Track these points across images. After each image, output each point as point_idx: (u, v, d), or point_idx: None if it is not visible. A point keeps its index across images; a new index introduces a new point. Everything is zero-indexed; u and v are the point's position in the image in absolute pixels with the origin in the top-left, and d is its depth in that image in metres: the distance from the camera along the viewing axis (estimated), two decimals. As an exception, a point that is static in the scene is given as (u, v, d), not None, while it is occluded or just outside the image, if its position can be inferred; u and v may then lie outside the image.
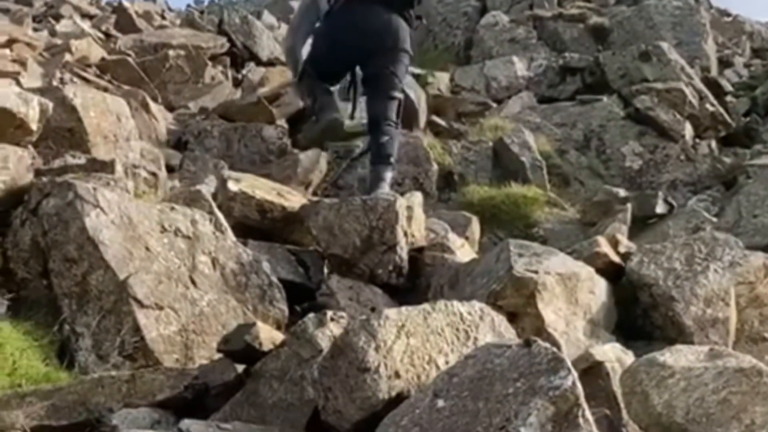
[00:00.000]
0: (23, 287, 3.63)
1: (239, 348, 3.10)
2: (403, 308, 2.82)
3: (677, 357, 2.98)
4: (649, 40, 11.24)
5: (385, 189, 5.26)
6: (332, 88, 5.82)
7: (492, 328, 3.10)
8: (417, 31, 5.95)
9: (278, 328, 3.84)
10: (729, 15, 16.01)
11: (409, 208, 4.41)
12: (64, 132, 4.64)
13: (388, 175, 5.41)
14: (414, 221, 4.45)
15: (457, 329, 2.95)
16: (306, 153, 6.15)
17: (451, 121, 8.21)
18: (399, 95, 5.54)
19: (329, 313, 3.03)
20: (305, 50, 5.99)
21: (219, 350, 3.19)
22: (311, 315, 3.03)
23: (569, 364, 2.45)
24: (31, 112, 3.99)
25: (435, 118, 8.05)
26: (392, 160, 5.46)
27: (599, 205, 6.30)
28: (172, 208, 3.83)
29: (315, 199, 5.37)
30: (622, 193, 6.36)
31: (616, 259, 4.29)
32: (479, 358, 2.60)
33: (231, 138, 6.42)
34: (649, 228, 6.08)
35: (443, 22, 13.65)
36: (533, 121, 7.99)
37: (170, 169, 5.69)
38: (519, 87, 9.53)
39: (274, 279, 3.98)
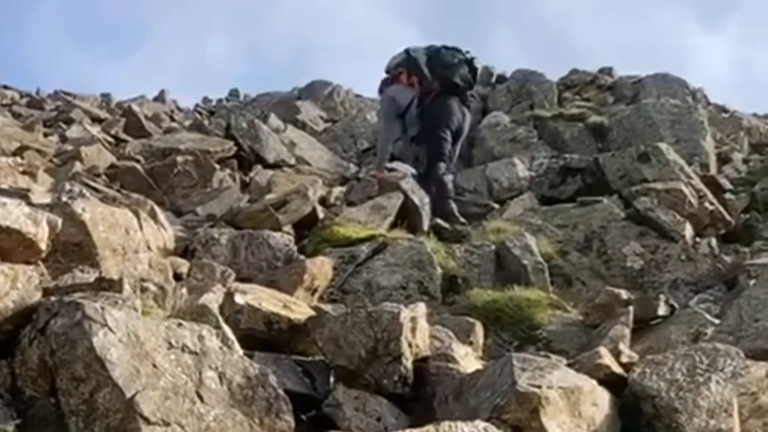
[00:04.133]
0: (30, 406, 3.64)
1: (246, 468, 3.13)
2: (407, 431, 2.87)
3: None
4: (648, 138, 11.45)
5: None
6: None
7: (496, 447, 3.14)
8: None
9: (284, 440, 3.88)
10: (726, 111, 16.26)
11: (414, 319, 4.46)
12: (72, 246, 4.72)
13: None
14: (418, 332, 4.49)
15: (461, 449, 2.99)
16: (312, 260, 6.23)
17: (455, 224, 8.33)
18: None
19: (335, 434, 3.07)
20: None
21: (226, 470, 3.21)
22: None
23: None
24: (41, 231, 4.05)
25: (439, 221, 8.20)
26: None
27: (602, 307, 6.33)
28: (180, 324, 3.87)
29: (321, 306, 5.44)
30: (624, 295, 6.39)
31: (619, 370, 4.32)
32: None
33: (238, 246, 6.51)
34: (652, 330, 6.11)
35: (445, 122, 13.91)
36: (535, 223, 8.09)
37: (177, 277, 5.77)
38: (521, 188, 9.68)
39: (281, 391, 4.00)
